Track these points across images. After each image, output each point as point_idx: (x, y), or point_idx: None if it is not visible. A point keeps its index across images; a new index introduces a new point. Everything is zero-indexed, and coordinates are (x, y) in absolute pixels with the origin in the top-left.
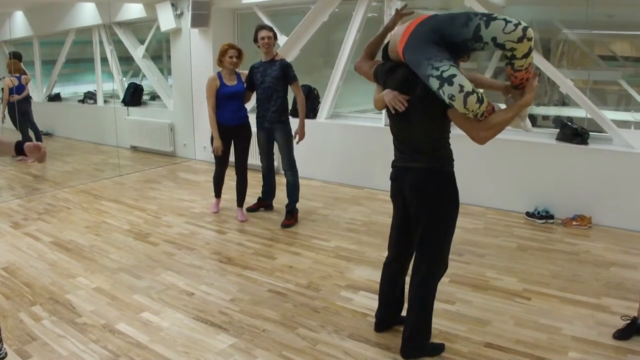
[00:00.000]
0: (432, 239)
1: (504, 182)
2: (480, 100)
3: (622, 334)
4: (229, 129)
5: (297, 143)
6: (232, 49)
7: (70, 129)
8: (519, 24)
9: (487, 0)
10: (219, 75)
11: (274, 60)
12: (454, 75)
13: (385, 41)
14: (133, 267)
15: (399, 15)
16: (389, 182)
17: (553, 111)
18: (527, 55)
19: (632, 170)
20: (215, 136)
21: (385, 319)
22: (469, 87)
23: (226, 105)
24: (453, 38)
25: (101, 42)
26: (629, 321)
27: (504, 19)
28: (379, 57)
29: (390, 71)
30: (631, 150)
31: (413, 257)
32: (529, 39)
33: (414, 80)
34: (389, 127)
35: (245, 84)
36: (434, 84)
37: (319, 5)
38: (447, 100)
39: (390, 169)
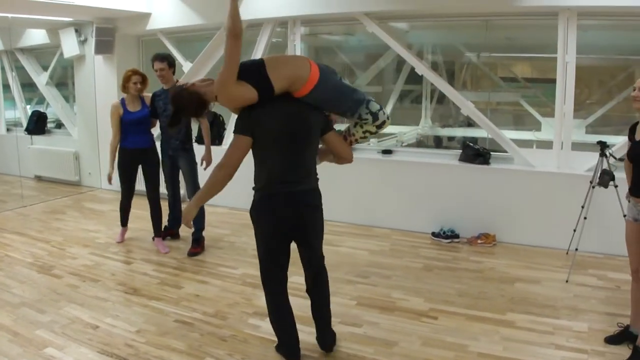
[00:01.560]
0: (321, 246)
1: (409, 203)
2: None
3: (614, 340)
4: (135, 151)
5: (205, 169)
6: (136, 75)
7: None
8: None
9: (389, 26)
10: (122, 101)
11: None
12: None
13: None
14: (36, 302)
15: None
16: None
17: (459, 132)
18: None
19: (532, 188)
20: (109, 163)
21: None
22: None
23: (132, 130)
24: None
25: (3, 69)
26: (622, 328)
27: (377, 103)
28: None
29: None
30: (531, 168)
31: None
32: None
33: (310, 107)
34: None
35: (150, 109)
36: (374, 106)
37: (223, 31)
38: (382, 120)
39: None
